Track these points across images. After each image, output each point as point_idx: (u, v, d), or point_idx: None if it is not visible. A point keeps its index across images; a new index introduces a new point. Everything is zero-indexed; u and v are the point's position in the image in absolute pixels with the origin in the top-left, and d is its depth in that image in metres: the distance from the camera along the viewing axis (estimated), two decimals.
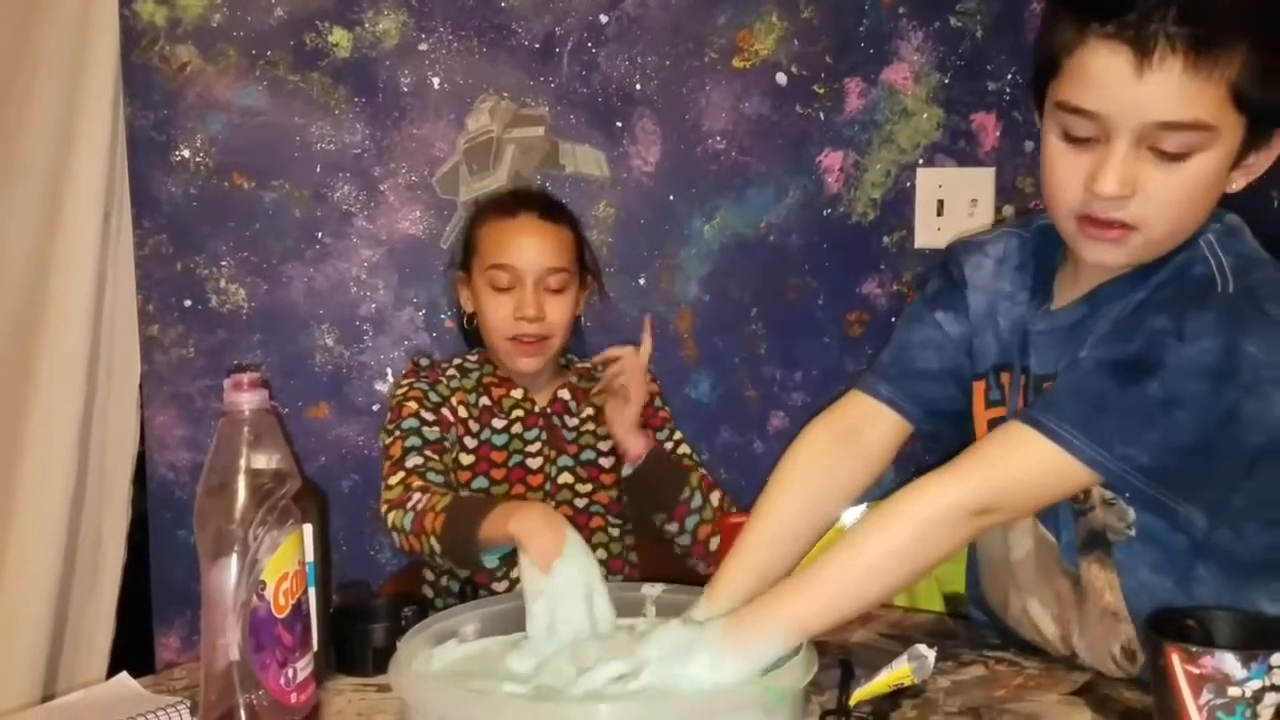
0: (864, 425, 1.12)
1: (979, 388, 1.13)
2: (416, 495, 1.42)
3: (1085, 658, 1.09)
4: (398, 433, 1.53)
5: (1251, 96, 0.88)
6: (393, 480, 1.48)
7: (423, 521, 1.37)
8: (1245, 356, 0.89)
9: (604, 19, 1.91)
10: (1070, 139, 0.93)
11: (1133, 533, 1.01)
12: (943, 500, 0.92)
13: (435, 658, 1.02)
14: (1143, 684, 1.01)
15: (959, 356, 1.13)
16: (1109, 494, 1.00)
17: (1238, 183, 0.96)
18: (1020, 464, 0.92)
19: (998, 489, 0.92)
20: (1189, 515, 0.95)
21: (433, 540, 1.36)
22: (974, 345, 1.12)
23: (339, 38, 1.85)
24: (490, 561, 1.32)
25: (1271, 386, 0.91)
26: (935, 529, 0.91)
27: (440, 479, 1.49)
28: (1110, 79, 0.88)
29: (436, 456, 1.52)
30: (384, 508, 1.46)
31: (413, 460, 1.49)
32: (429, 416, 1.54)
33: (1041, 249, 1.09)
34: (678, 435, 1.68)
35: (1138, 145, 0.90)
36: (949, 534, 0.92)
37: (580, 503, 1.62)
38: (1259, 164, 0.96)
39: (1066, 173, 0.94)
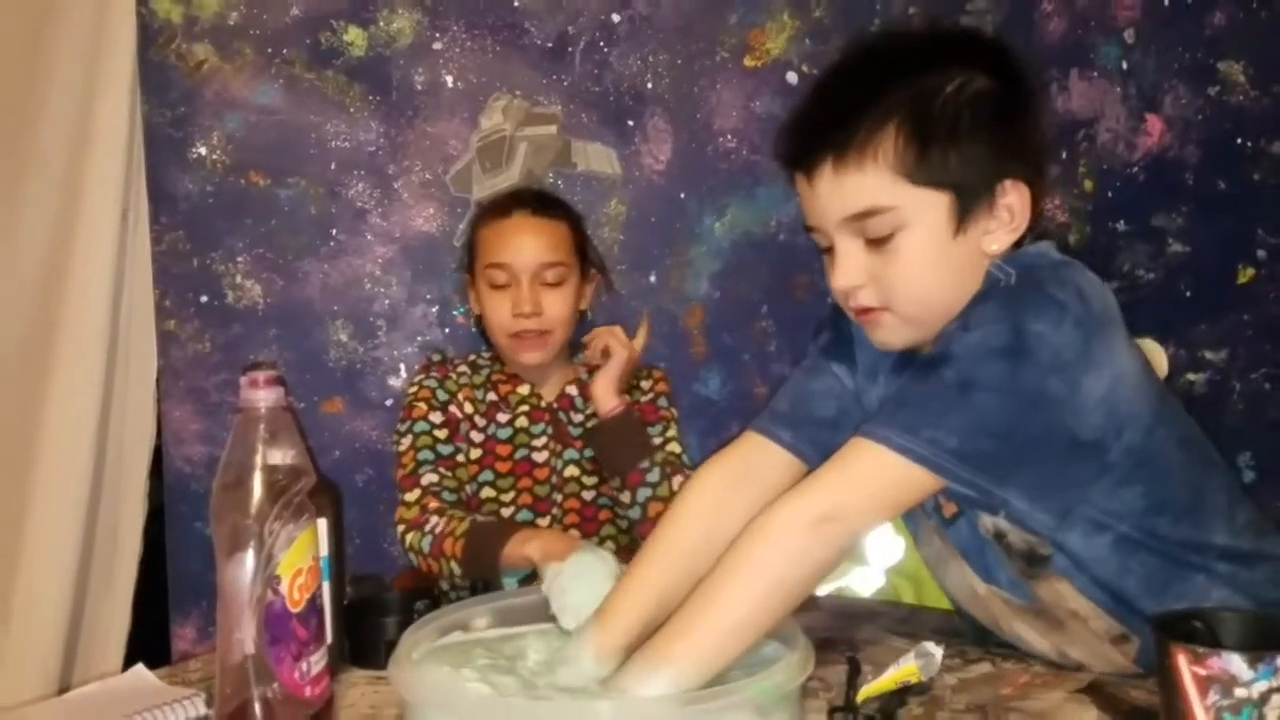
0: (762, 469, 1.12)
1: None
2: (434, 519, 1.46)
3: (1090, 664, 1.10)
4: (409, 436, 1.56)
5: (917, 173, 0.97)
6: (409, 497, 1.52)
7: (441, 546, 1.43)
8: (1033, 335, 0.93)
9: (616, 18, 1.91)
10: (824, 250, 1.05)
11: (1051, 546, 1.03)
12: (783, 512, 0.94)
13: (439, 650, 1.02)
14: (1145, 676, 1.02)
15: (855, 408, 1.14)
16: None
17: (999, 241, 1.01)
18: (848, 469, 0.95)
19: (833, 494, 0.94)
20: (1006, 498, 0.97)
21: (453, 564, 1.42)
22: (863, 400, 1.14)
23: (354, 36, 1.86)
24: (509, 584, 1.37)
25: (1079, 372, 0.94)
26: (782, 540, 0.93)
27: (454, 496, 1.52)
28: (804, 199, 1.04)
29: (450, 473, 1.55)
30: (401, 527, 1.49)
31: (428, 477, 1.52)
32: (437, 418, 1.57)
33: None
34: (670, 433, 1.66)
35: (854, 241, 1.01)
36: (798, 543, 0.93)
37: (588, 495, 1.63)
38: (1009, 220, 1.00)
39: (829, 272, 1.06)
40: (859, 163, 0.98)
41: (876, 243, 0.99)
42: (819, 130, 1.00)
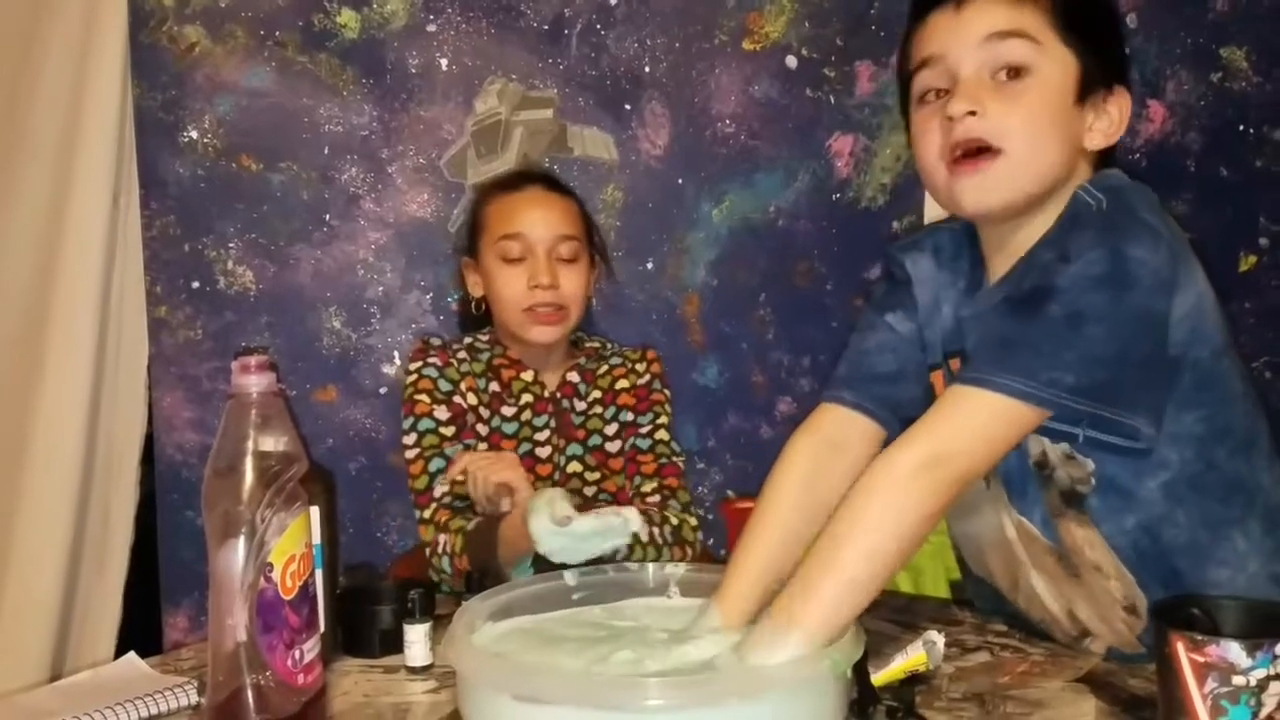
0: (842, 435, 1.14)
1: (937, 377, 1.15)
2: (442, 538, 1.46)
3: (1094, 629, 1.10)
4: (414, 435, 1.54)
5: (1063, 27, 1.01)
6: (425, 514, 1.51)
7: (456, 565, 1.44)
8: (1133, 260, 0.95)
9: (613, 1, 1.90)
10: (924, 101, 1.06)
11: (1094, 483, 1.04)
12: (888, 463, 0.94)
13: (481, 633, 1.01)
14: (1146, 658, 1.01)
15: (915, 353, 1.16)
16: (1063, 448, 1.04)
17: (1095, 141, 1.05)
18: (957, 415, 0.95)
19: (938, 440, 0.94)
20: (1136, 427, 0.97)
21: (471, 576, 1.42)
22: (925, 337, 1.15)
23: (347, 19, 1.84)
24: (522, 573, 1.36)
25: (1173, 292, 0.97)
26: (890, 491, 0.92)
27: (465, 502, 1.51)
28: (941, 25, 1.05)
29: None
30: (428, 551, 1.48)
31: (439, 489, 1.51)
32: (443, 414, 1.54)
33: (973, 241, 1.15)
34: (660, 420, 1.62)
35: (979, 75, 1.02)
36: (905, 492, 0.92)
37: (589, 491, 1.61)
38: (1110, 119, 1.06)
39: (926, 125, 1.06)
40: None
41: (1008, 76, 1.02)
42: None
